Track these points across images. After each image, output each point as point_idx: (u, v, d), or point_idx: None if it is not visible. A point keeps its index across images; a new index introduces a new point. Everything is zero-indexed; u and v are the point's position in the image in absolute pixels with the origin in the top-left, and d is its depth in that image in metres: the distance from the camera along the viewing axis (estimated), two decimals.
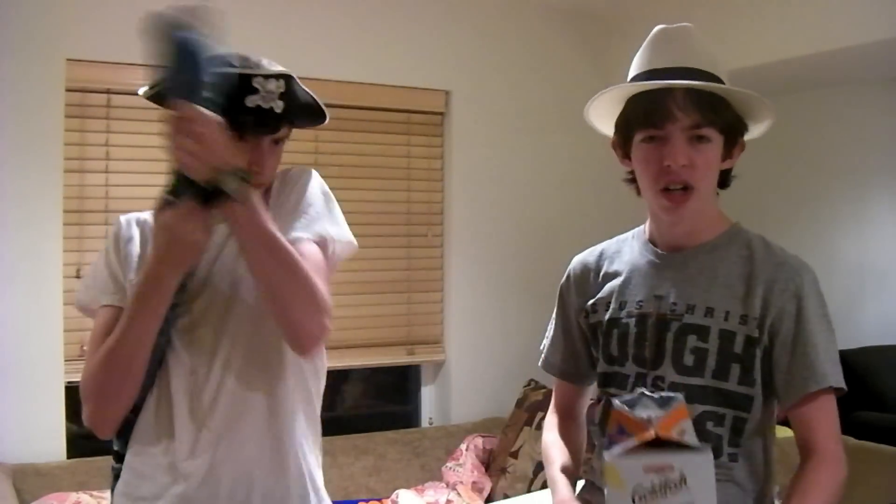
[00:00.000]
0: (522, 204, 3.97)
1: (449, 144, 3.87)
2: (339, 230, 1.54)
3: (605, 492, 1.25)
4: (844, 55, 3.28)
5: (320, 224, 1.51)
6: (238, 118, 1.41)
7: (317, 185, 1.55)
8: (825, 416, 1.41)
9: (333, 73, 3.41)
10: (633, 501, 1.23)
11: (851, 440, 3.25)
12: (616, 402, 1.29)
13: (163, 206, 1.36)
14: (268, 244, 1.36)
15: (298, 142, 3.41)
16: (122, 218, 1.58)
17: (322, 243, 1.50)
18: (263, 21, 3.33)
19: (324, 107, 1.54)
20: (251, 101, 1.41)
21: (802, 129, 4.88)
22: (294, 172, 1.57)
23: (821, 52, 3.26)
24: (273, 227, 1.36)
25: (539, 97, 3.95)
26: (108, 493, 1.59)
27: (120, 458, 1.54)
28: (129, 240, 1.54)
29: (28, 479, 2.87)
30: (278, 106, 1.44)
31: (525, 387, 3.70)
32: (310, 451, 1.58)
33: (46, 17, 3.01)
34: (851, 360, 4.56)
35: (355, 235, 1.58)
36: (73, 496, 2.78)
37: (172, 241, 1.36)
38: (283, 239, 1.37)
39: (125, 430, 1.52)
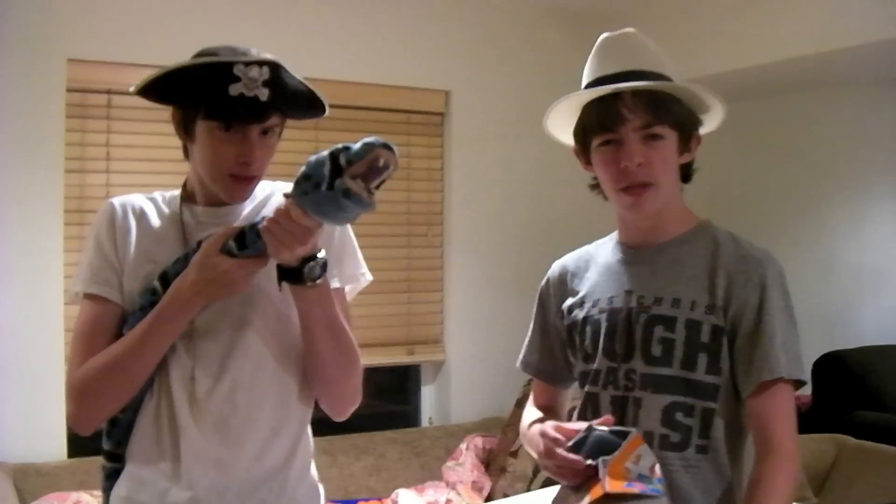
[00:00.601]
0: (522, 204, 3.97)
1: (449, 144, 3.88)
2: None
3: None
4: (843, 55, 3.28)
5: (353, 268, 1.57)
6: (221, 108, 1.37)
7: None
8: (781, 410, 1.40)
9: (333, 73, 3.41)
10: None
11: (851, 440, 3.25)
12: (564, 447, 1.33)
13: (222, 250, 1.37)
14: (331, 327, 1.44)
15: (298, 142, 3.44)
16: (116, 202, 1.51)
17: (347, 289, 1.57)
18: (264, 21, 3.34)
19: (322, 97, 1.49)
20: (234, 89, 1.36)
21: (802, 129, 4.88)
22: None
23: (820, 52, 3.26)
24: (337, 310, 1.45)
25: (539, 97, 3.91)
26: None
27: (111, 456, 1.50)
28: (127, 231, 1.48)
29: (29, 479, 2.87)
30: (263, 94, 1.38)
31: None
32: (309, 460, 1.57)
33: (46, 17, 3.01)
34: (851, 360, 4.58)
35: (355, 235, 1.59)
36: (74, 496, 2.78)
37: (218, 284, 1.37)
38: (342, 320, 1.46)
39: (114, 430, 1.48)
